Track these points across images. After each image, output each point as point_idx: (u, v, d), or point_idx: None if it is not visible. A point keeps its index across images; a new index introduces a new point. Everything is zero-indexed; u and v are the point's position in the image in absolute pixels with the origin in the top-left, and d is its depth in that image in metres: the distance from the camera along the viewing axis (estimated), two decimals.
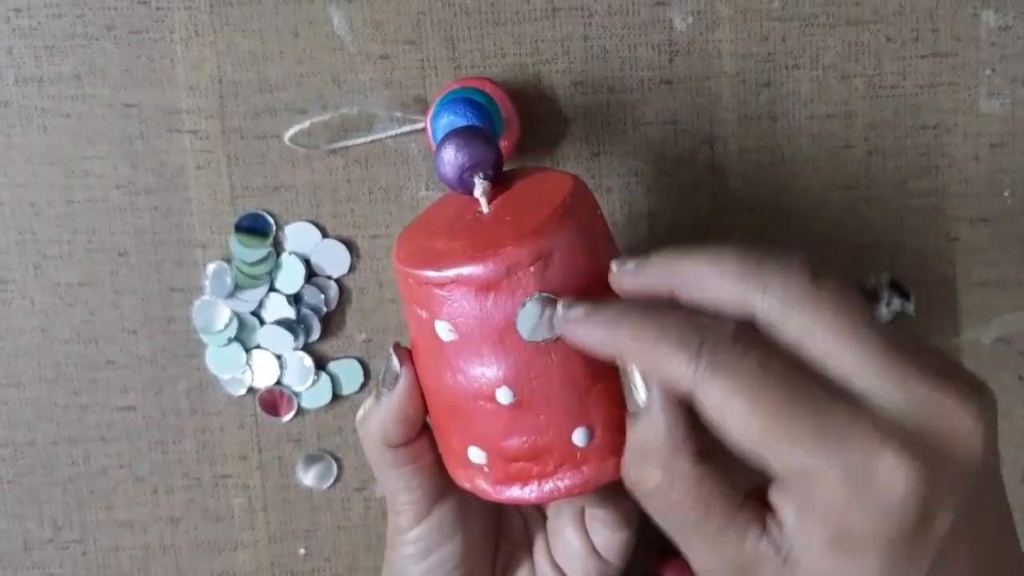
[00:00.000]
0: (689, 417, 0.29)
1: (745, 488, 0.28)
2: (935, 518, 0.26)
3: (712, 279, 0.29)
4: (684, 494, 0.28)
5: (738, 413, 0.27)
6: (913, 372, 0.27)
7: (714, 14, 0.41)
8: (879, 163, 0.42)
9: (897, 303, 0.29)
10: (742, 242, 0.42)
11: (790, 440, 0.26)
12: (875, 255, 0.42)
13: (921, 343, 0.28)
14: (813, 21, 0.41)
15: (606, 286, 0.32)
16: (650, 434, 0.29)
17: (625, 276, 0.31)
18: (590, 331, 0.29)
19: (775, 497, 0.28)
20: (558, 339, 0.31)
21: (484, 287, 0.31)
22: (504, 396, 0.31)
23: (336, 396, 0.43)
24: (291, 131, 0.41)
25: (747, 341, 0.27)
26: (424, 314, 0.32)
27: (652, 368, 0.28)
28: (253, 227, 0.42)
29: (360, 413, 0.35)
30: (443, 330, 0.31)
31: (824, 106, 0.41)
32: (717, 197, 0.42)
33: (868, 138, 0.42)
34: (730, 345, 0.27)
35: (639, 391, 0.29)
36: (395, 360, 0.34)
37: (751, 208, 0.42)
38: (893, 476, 0.26)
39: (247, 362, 0.43)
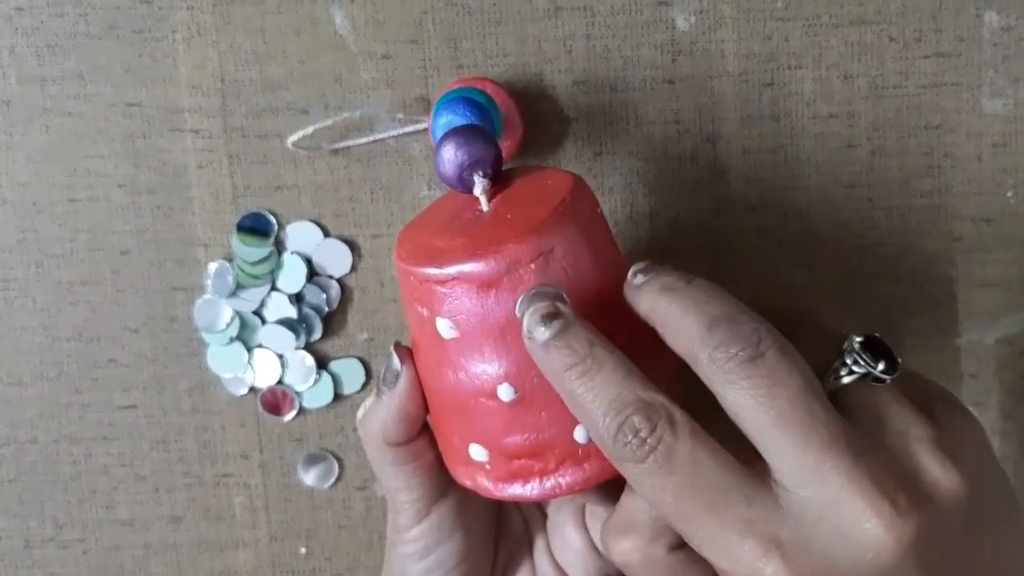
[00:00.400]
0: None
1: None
2: None
3: (675, 331, 0.30)
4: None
5: (643, 496, 0.29)
6: (832, 467, 0.27)
7: (717, 14, 0.41)
8: (882, 163, 0.42)
9: (861, 369, 0.29)
10: (745, 242, 0.42)
11: (686, 533, 0.28)
12: (878, 255, 0.42)
13: (884, 430, 0.28)
14: (816, 21, 0.41)
15: (606, 283, 0.32)
16: (637, 515, 0.31)
17: (632, 289, 0.32)
18: (541, 362, 0.30)
19: None
20: None
21: (485, 284, 0.31)
22: (505, 393, 0.31)
23: (338, 396, 0.43)
24: (295, 136, 0.41)
25: (659, 433, 0.28)
26: (425, 312, 0.32)
27: (585, 426, 0.30)
28: (255, 227, 0.42)
29: (360, 412, 0.35)
30: (444, 327, 0.31)
31: (827, 106, 0.41)
32: (719, 197, 0.42)
33: (871, 138, 0.42)
34: (640, 439, 0.28)
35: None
36: (395, 358, 0.34)
37: (753, 208, 0.42)
38: None
39: (248, 361, 0.43)
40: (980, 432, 0.31)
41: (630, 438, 0.28)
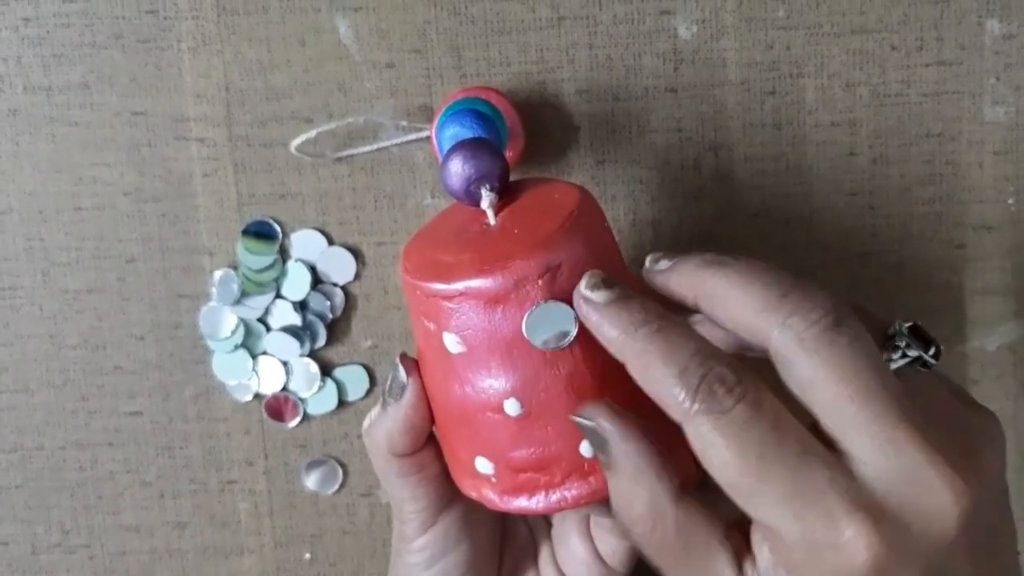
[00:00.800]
0: (660, 460, 0.29)
1: (728, 519, 0.29)
2: None
3: (735, 302, 0.29)
4: (665, 533, 0.29)
5: (720, 456, 0.27)
6: (906, 439, 0.27)
7: (719, 23, 0.41)
8: (883, 171, 0.42)
9: (914, 353, 0.30)
10: (747, 250, 0.42)
11: (761, 493, 0.27)
12: (879, 263, 0.42)
13: (935, 411, 0.29)
14: (818, 30, 0.41)
15: None
16: (623, 481, 0.30)
17: (656, 274, 0.31)
18: (603, 325, 0.29)
19: (755, 536, 0.28)
20: (567, 347, 0.31)
21: (493, 300, 0.31)
22: (512, 408, 0.31)
23: (342, 402, 0.43)
24: (297, 140, 0.41)
25: (746, 385, 0.27)
26: (432, 326, 0.32)
27: (649, 386, 0.28)
28: (260, 232, 0.42)
29: (366, 422, 0.35)
30: (451, 342, 0.32)
31: (829, 114, 0.42)
32: (721, 205, 0.42)
33: (872, 146, 0.42)
34: (727, 388, 0.27)
35: (601, 445, 0.30)
36: (402, 370, 0.34)
37: (755, 215, 0.42)
38: (852, 547, 0.26)
39: (253, 368, 0.43)
40: (998, 422, 0.31)
41: (717, 387, 0.27)
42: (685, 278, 0.30)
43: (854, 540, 0.26)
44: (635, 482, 0.29)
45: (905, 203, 0.42)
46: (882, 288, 0.43)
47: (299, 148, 0.41)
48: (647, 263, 0.32)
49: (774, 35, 0.41)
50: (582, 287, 0.30)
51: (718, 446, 0.27)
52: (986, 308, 0.43)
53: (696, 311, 0.31)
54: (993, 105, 0.42)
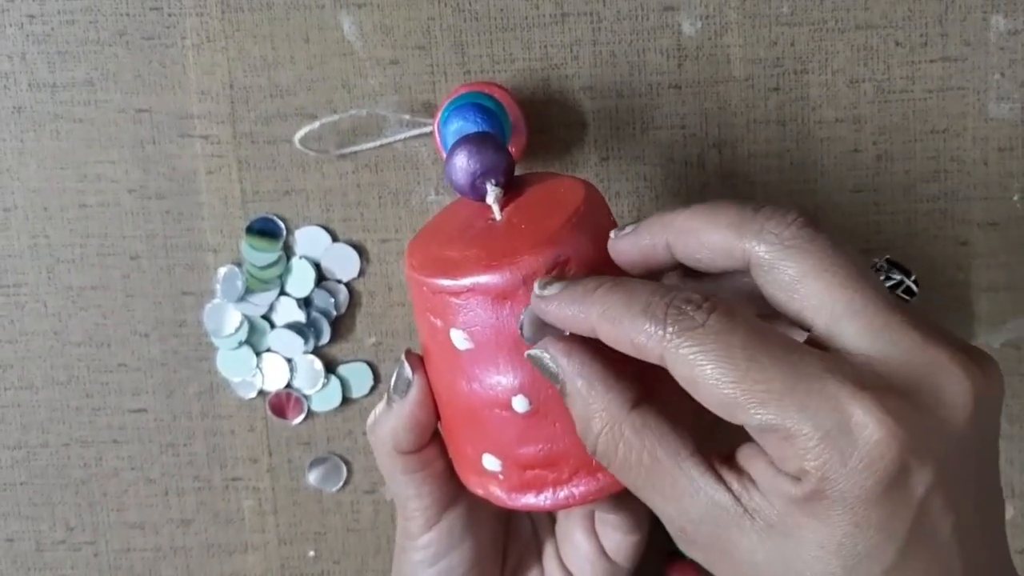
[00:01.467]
0: (609, 374, 0.29)
1: (708, 449, 0.28)
2: (911, 475, 0.25)
3: (708, 227, 0.29)
4: (629, 445, 0.28)
5: (707, 372, 0.26)
6: (903, 324, 0.26)
7: (723, 19, 0.41)
8: (888, 167, 0.42)
9: (898, 277, 0.29)
10: None
11: (760, 394, 0.26)
12: None
13: (920, 314, 0.28)
14: (822, 26, 0.41)
15: None
16: (579, 403, 0.29)
17: (622, 240, 0.31)
18: (563, 307, 0.29)
19: (744, 457, 0.27)
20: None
21: (500, 296, 0.31)
22: (520, 404, 0.31)
23: (346, 399, 0.43)
24: (301, 132, 0.41)
25: (713, 300, 0.27)
26: (439, 322, 0.32)
27: (623, 341, 0.28)
28: (264, 229, 0.42)
29: (370, 419, 0.35)
30: (459, 339, 0.31)
31: (833, 110, 0.41)
32: None
33: (877, 142, 0.42)
34: (695, 306, 0.27)
35: (552, 370, 0.30)
36: (407, 367, 0.34)
37: None
38: (866, 430, 0.25)
39: (257, 365, 0.43)
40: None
41: (684, 306, 0.27)
42: (655, 226, 0.30)
43: (864, 420, 0.25)
44: (588, 398, 0.29)
45: (910, 200, 0.42)
46: None
47: (303, 143, 0.41)
48: (612, 235, 0.31)
49: (778, 31, 0.41)
50: (536, 290, 0.30)
51: (702, 362, 0.26)
52: (991, 305, 0.43)
53: (662, 269, 0.31)
54: (998, 101, 0.41)
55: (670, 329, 0.27)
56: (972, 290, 0.43)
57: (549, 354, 0.30)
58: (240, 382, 0.43)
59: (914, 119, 0.42)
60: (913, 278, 0.29)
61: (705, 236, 0.29)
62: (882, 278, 0.29)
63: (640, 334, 0.27)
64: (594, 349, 0.29)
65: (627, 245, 0.31)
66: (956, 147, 0.42)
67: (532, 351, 0.30)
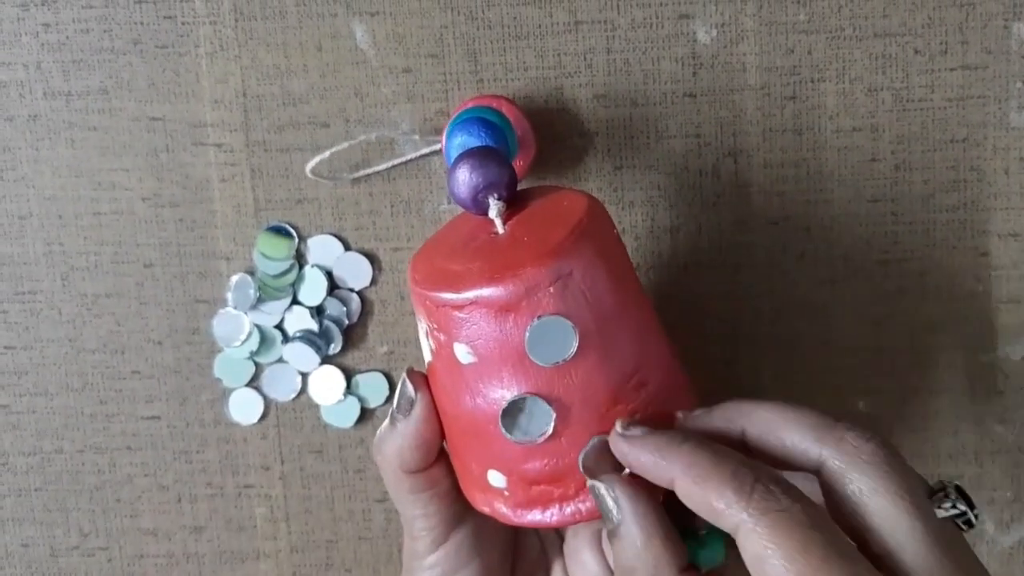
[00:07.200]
0: (668, 531, 0.30)
1: None
2: None
3: (790, 426, 0.30)
4: None
5: (779, 555, 0.27)
6: (951, 571, 0.28)
7: (739, 27, 0.40)
8: (906, 177, 0.41)
9: (960, 508, 0.30)
10: (766, 257, 0.42)
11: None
12: (903, 270, 0.42)
13: (971, 555, 0.29)
14: (840, 34, 0.40)
15: (624, 304, 0.32)
16: (630, 551, 0.30)
17: (693, 421, 0.32)
18: (644, 453, 0.30)
19: None
20: (579, 356, 0.30)
21: (504, 309, 0.30)
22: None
23: (363, 410, 0.43)
24: (311, 163, 0.41)
25: (799, 490, 0.28)
26: (442, 336, 0.32)
27: (700, 500, 0.29)
28: (278, 228, 0.42)
29: (376, 439, 0.35)
30: (462, 353, 0.31)
31: (850, 119, 0.41)
32: (741, 211, 0.42)
33: (895, 152, 0.41)
34: (783, 489, 0.28)
35: (612, 508, 0.30)
36: (409, 386, 0.34)
37: (775, 223, 0.42)
38: None
39: (257, 376, 0.43)
40: None
41: (772, 486, 0.28)
42: (731, 412, 0.31)
43: None
44: (643, 550, 0.30)
45: (928, 210, 0.41)
46: (905, 297, 0.42)
47: (314, 171, 0.41)
48: (679, 416, 0.33)
49: (795, 39, 0.40)
50: (617, 428, 0.31)
51: (776, 545, 0.27)
52: (1011, 317, 0.42)
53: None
54: (1019, 110, 0.41)
55: (755, 503, 0.28)
56: (992, 302, 0.42)
57: (615, 493, 0.30)
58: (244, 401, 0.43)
59: (933, 128, 0.41)
60: (975, 512, 0.30)
61: (786, 434, 0.30)
62: (948, 504, 0.30)
63: (722, 499, 0.28)
64: (657, 500, 0.30)
65: (698, 426, 0.32)
66: (976, 157, 0.41)
67: (597, 484, 0.30)
